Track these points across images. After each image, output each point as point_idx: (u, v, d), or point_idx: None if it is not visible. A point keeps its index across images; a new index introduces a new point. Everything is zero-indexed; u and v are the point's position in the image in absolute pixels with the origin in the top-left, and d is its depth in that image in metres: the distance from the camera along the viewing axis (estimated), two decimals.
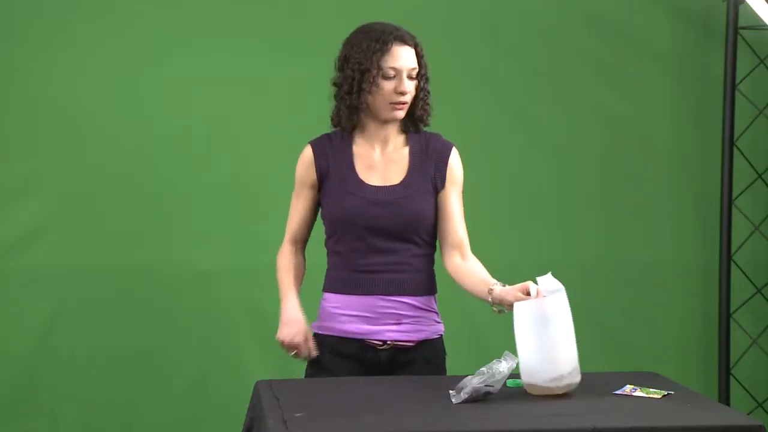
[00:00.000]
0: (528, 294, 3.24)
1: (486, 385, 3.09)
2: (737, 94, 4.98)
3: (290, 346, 3.47)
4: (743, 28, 4.95)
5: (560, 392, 3.16)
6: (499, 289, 3.33)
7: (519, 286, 3.29)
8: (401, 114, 3.46)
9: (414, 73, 3.45)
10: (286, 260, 3.57)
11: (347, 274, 3.46)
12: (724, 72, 4.97)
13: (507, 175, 4.93)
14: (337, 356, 3.48)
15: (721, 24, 4.98)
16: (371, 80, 3.41)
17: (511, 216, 4.93)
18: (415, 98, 3.48)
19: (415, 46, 3.46)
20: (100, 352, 4.66)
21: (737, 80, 4.97)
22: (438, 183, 3.51)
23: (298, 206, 3.56)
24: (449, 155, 3.53)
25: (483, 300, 3.39)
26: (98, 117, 4.65)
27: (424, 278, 3.51)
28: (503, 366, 3.11)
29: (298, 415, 2.95)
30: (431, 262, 3.54)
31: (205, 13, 4.70)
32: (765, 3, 4.75)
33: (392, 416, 2.97)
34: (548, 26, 4.94)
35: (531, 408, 3.06)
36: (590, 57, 4.97)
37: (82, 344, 4.65)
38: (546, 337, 3.15)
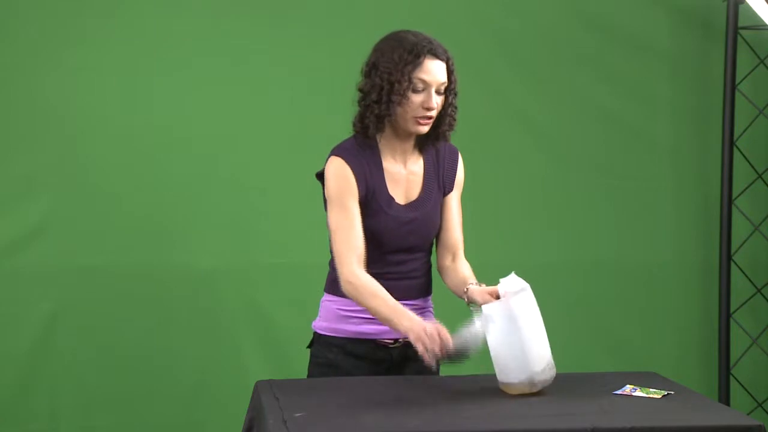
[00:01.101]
0: (498, 297, 3.27)
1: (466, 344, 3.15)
2: (737, 94, 4.98)
3: (436, 340, 3.18)
4: (743, 28, 4.95)
5: (536, 390, 3.18)
6: (473, 288, 3.38)
7: (489, 288, 3.34)
8: (425, 129, 3.39)
9: (443, 88, 3.37)
10: (371, 281, 3.32)
11: None
12: (724, 72, 4.97)
13: (507, 176, 4.92)
14: (350, 356, 3.47)
15: (721, 24, 4.98)
16: (401, 92, 3.32)
17: (512, 216, 4.93)
18: (442, 113, 3.41)
19: (447, 60, 3.37)
20: (100, 352, 4.66)
21: (737, 80, 4.97)
22: (447, 188, 3.52)
23: (350, 221, 3.36)
24: (457, 161, 3.54)
25: (461, 298, 3.43)
26: (98, 117, 4.64)
27: (427, 281, 3.54)
28: (477, 325, 3.16)
29: (298, 415, 2.95)
30: (431, 264, 3.55)
31: (205, 13, 4.70)
32: (765, 3, 4.75)
33: (392, 416, 2.98)
34: (549, 27, 4.93)
35: (531, 408, 3.06)
36: (590, 57, 4.96)
37: (82, 344, 4.65)
38: (515, 336, 3.17)
